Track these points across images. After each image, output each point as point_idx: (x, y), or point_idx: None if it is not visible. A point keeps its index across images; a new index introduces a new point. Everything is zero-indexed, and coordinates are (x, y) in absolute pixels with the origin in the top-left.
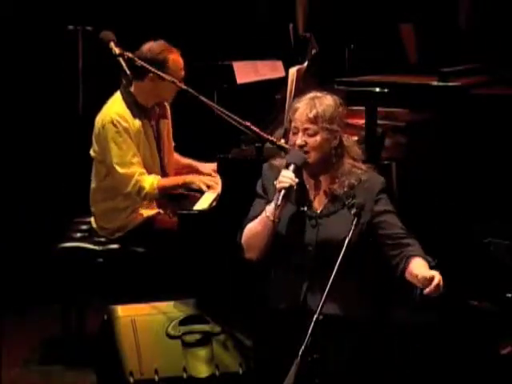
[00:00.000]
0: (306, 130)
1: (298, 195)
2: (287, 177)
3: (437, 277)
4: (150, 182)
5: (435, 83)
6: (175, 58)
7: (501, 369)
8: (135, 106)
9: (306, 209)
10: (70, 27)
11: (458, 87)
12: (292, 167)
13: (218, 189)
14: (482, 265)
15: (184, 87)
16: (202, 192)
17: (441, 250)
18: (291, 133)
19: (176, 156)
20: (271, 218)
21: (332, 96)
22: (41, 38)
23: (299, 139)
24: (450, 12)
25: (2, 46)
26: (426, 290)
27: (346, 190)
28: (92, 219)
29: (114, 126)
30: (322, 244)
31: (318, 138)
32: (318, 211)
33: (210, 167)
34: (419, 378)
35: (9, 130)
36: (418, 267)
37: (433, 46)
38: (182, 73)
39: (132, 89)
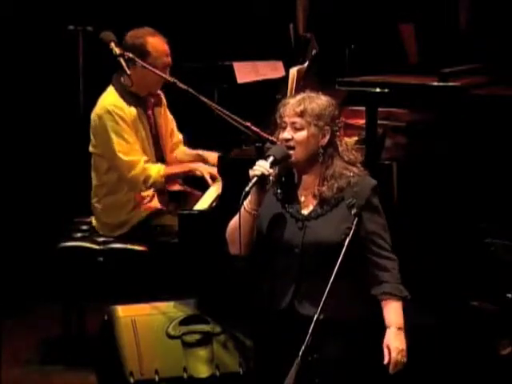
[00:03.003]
0: (293, 123)
1: (285, 196)
2: (261, 166)
3: (393, 357)
4: (157, 170)
5: (435, 83)
6: (155, 43)
7: (501, 369)
8: (128, 95)
9: (293, 210)
10: (71, 27)
11: (458, 87)
12: (270, 159)
13: (219, 189)
14: (482, 265)
15: (170, 79)
16: (204, 187)
17: (441, 249)
18: (281, 128)
19: (184, 149)
20: (246, 209)
21: (326, 97)
22: (41, 38)
23: (286, 133)
24: (450, 12)
25: (2, 46)
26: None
27: (334, 192)
28: (92, 218)
29: (111, 115)
30: (308, 247)
31: (304, 132)
32: (306, 213)
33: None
34: (419, 378)
35: (9, 129)
36: (389, 315)
37: (433, 46)
38: (167, 59)
39: (123, 79)
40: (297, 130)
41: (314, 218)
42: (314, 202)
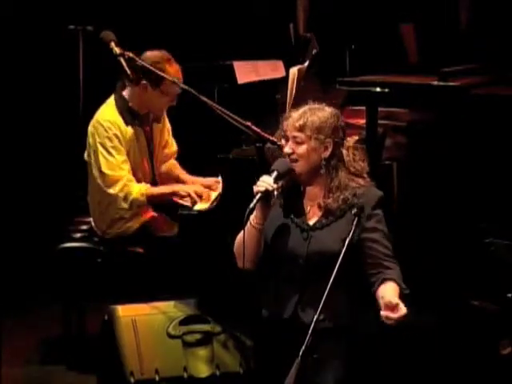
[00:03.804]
0: (294, 137)
1: (291, 206)
2: (265, 181)
3: (402, 310)
4: (138, 188)
5: (435, 83)
6: (173, 72)
7: (501, 369)
8: (127, 112)
9: (298, 221)
10: (71, 27)
11: (459, 87)
12: (274, 174)
13: (219, 189)
14: (482, 265)
15: (171, 79)
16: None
17: (441, 249)
18: (284, 141)
19: (173, 163)
20: (252, 224)
21: (330, 108)
22: (41, 38)
23: (287, 147)
24: (450, 12)
25: (2, 46)
26: (384, 314)
27: (340, 203)
28: (92, 219)
29: (105, 131)
30: (312, 257)
31: (305, 146)
32: (311, 224)
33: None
34: (419, 379)
35: (9, 130)
36: (387, 290)
37: (433, 46)
38: (178, 90)
39: (125, 93)
40: (298, 143)
41: (319, 228)
42: (319, 213)
